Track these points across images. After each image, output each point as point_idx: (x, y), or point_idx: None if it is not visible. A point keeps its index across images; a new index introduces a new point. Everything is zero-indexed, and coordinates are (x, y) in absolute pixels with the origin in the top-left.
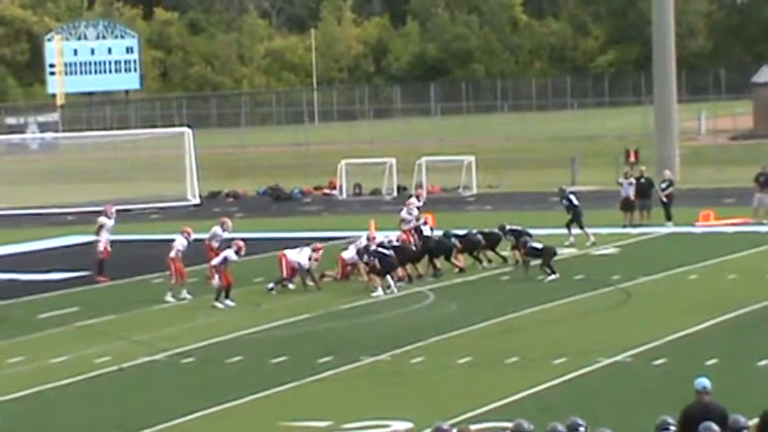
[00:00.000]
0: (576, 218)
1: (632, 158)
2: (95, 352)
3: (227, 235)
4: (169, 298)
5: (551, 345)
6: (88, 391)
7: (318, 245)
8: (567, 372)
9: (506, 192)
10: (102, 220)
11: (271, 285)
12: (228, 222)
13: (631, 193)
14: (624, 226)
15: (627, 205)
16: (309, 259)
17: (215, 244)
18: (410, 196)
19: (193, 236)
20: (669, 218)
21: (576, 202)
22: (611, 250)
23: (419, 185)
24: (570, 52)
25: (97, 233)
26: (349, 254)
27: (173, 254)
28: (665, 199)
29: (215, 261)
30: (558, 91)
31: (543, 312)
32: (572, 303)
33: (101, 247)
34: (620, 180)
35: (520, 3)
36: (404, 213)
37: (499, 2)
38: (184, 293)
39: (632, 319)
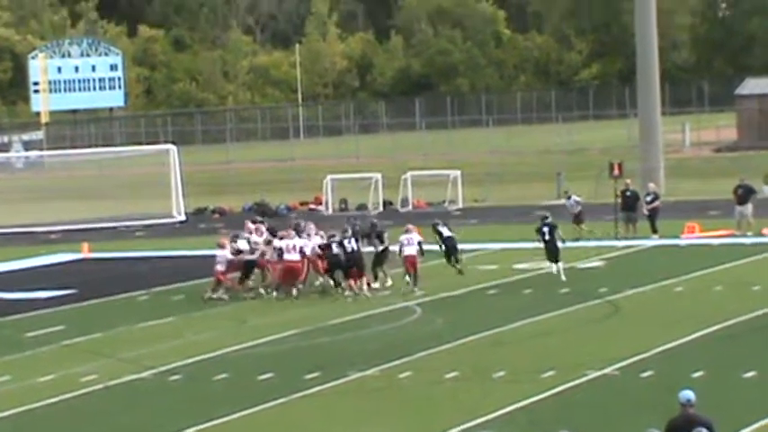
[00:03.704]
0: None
1: (616, 172)
2: (82, 370)
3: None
4: (261, 291)
5: (539, 358)
6: (75, 410)
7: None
8: (555, 385)
9: (492, 206)
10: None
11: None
12: (249, 224)
13: (575, 209)
14: (577, 239)
15: (577, 219)
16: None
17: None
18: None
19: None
20: (655, 230)
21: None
22: (597, 263)
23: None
24: (554, 66)
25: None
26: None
27: (220, 267)
28: (645, 212)
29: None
30: (543, 105)
31: (531, 326)
32: (559, 316)
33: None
34: (564, 202)
35: (503, 17)
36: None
37: (482, 17)
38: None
39: (619, 332)
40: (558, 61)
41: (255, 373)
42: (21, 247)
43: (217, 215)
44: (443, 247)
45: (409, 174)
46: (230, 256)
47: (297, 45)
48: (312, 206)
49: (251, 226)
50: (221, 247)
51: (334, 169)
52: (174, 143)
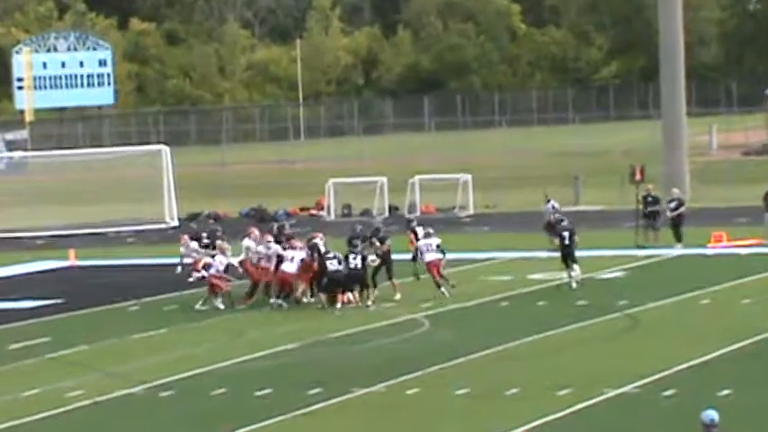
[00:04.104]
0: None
1: (638, 176)
2: (68, 385)
3: (260, 248)
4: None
5: (554, 375)
6: (61, 427)
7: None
8: (571, 403)
9: (505, 212)
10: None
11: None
12: (255, 231)
13: (551, 216)
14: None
15: (550, 228)
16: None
17: (254, 258)
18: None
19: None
20: (679, 239)
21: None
22: (617, 274)
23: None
24: (572, 63)
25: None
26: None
27: (253, 259)
28: (668, 217)
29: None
30: (560, 104)
31: (545, 340)
32: (576, 330)
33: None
34: (543, 207)
35: (519, 11)
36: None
37: (496, 10)
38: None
39: (640, 348)
40: (577, 58)
41: (253, 388)
42: (3, 254)
43: (212, 220)
44: (416, 249)
45: (417, 177)
46: (227, 262)
47: (298, 40)
48: (313, 211)
49: (257, 233)
50: (222, 252)
51: (336, 172)
52: (166, 144)
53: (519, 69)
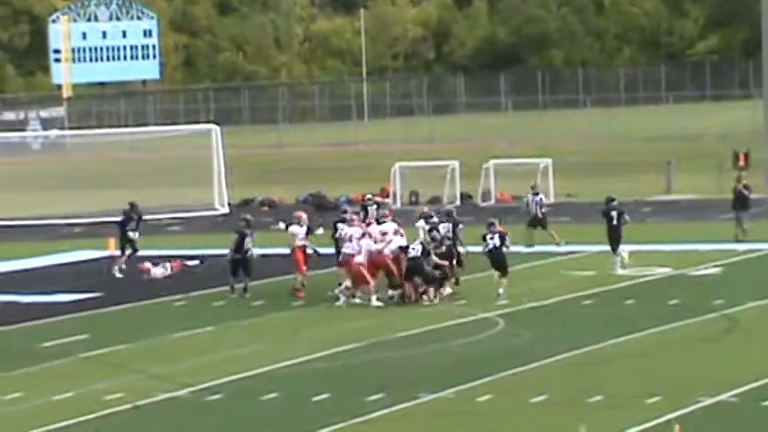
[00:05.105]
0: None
1: (741, 162)
2: (106, 387)
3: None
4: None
5: (642, 381)
6: None
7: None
8: (661, 413)
9: (588, 201)
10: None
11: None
12: (303, 216)
13: (538, 210)
14: (530, 245)
15: (534, 222)
16: None
17: (300, 243)
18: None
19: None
20: None
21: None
22: (712, 270)
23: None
24: (665, 37)
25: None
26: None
27: (299, 242)
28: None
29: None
30: (650, 82)
31: (632, 342)
32: (667, 332)
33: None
34: (527, 197)
35: None
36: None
37: None
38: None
39: (738, 352)
40: (670, 31)
41: (309, 393)
42: (37, 243)
43: (266, 208)
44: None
45: (492, 162)
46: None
47: (362, 9)
48: (377, 199)
49: (305, 217)
50: (299, 222)
51: (403, 156)
52: (216, 123)
53: (605, 43)
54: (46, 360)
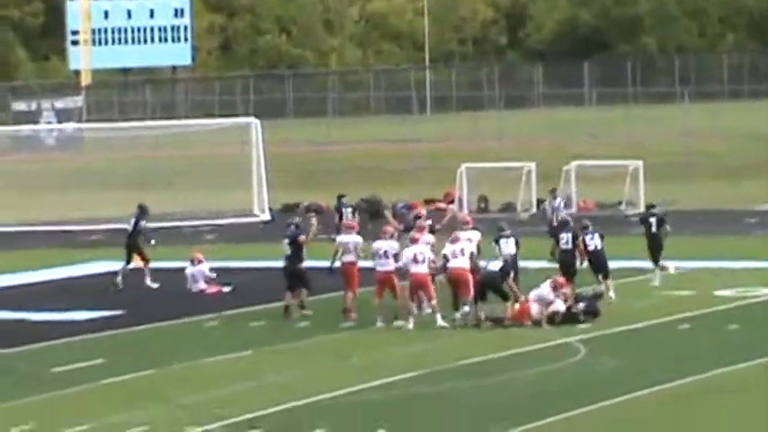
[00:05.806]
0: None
1: None
2: (127, 419)
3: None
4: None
5: (751, 420)
6: None
7: None
8: None
9: (685, 210)
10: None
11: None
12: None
13: (554, 216)
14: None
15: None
16: None
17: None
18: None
19: None
20: None
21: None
22: None
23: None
24: None
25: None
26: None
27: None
28: None
29: None
30: (759, 73)
31: (737, 374)
32: None
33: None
34: (546, 203)
35: None
36: None
37: None
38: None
39: None
40: None
41: (362, 427)
42: (51, 252)
43: (312, 214)
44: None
45: (573, 164)
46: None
47: None
48: (441, 204)
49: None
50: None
51: (471, 155)
52: (257, 116)
53: (706, 28)
54: (58, 387)
